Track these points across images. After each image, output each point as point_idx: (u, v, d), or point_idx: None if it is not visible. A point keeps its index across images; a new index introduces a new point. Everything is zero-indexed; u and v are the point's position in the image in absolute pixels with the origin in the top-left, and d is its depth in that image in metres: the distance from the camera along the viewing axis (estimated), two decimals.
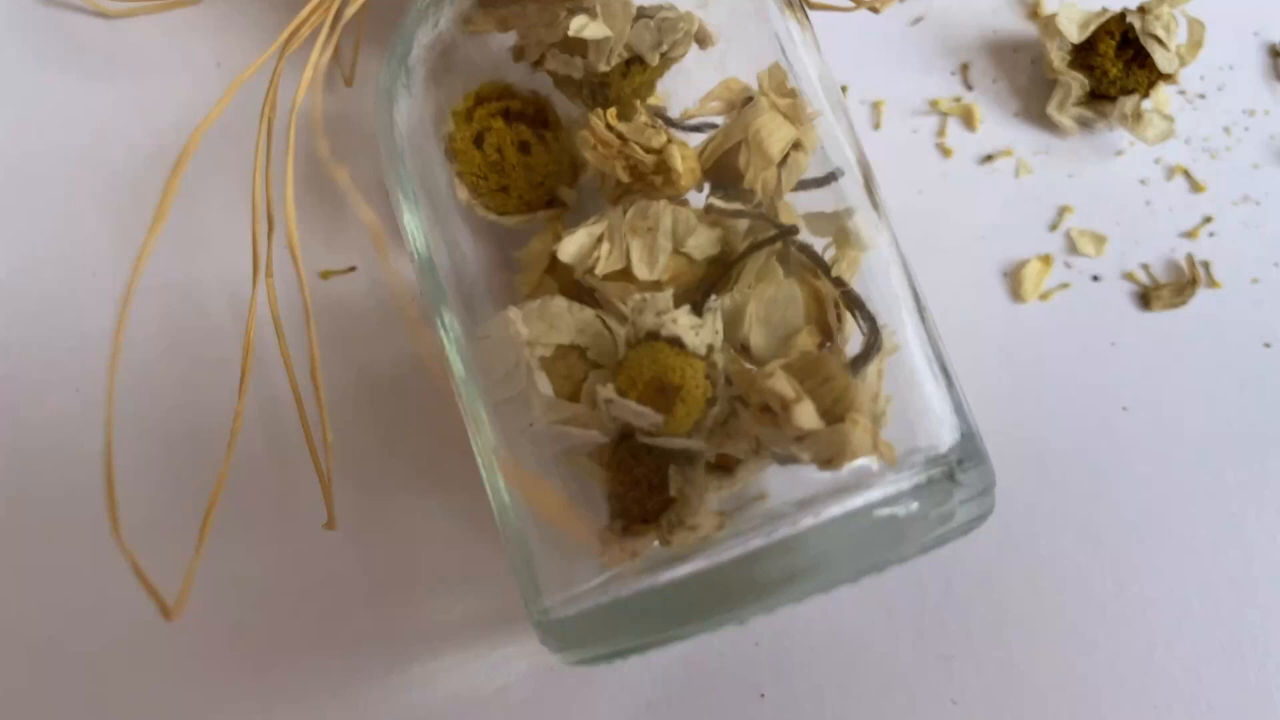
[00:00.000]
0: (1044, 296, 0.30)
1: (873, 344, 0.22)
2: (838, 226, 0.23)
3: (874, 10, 0.24)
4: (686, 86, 0.25)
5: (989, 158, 0.31)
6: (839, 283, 0.23)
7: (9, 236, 0.29)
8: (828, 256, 0.23)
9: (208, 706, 0.27)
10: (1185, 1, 0.30)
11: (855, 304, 0.23)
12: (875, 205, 0.24)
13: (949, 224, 0.31)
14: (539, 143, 0.26)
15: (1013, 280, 0.30)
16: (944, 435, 0.22)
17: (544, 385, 0.22)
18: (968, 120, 0.31)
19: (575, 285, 0.24)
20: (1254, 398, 0.30)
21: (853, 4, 0.26)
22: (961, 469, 0.22)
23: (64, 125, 0.30)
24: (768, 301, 0.23)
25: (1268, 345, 0.30)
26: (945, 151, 0.31)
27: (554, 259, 0.24)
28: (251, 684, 0.27)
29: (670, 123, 0.25)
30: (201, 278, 0.29)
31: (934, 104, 0.31)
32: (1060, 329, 0.30)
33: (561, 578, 0.22)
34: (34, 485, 0.27)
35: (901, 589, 0.28)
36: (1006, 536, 0.28)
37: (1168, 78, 0.30)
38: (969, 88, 0.31)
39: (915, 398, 0.23)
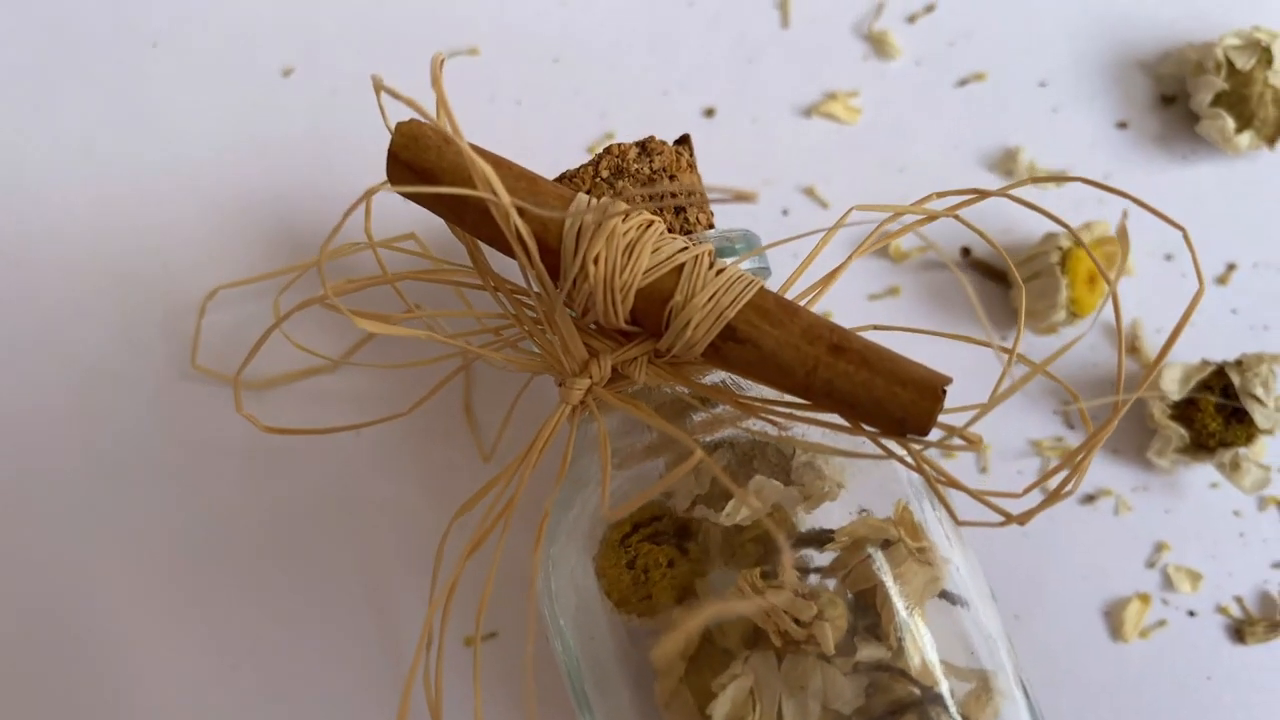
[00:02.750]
0: (1143, 634, 0.32)
1: None
2: (982, 683, 0.25)
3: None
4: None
5: (1091, 498, 0.32)
6: None
7: None
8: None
9: None
10: None
11: None
12: (1002, 645, 0.26)
13: (1054, 564, 0.32)
14: (681, 557, 0.27)
15: (1113, 620, 0.32)
16: None
17: None
18: None
19: (708, 690, 0.26)
20: None
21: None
22: None
23: None
24: None
25: None
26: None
27: (687, 664, 0.26)
28: None
29: (811, 540, 0.26)
30: None
31: (1037, 446, 0.32)
32: (1159, 667, 0.32)
33: None
34: None
35: None
36: None
37: (1267, 432, 0.31)
38: (1070, 427, 0.33)
39: None
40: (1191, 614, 0.32)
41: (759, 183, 0.33)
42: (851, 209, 0.24)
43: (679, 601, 0.27)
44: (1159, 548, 0.32)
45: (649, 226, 0.23)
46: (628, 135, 0.31)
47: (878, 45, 0.34)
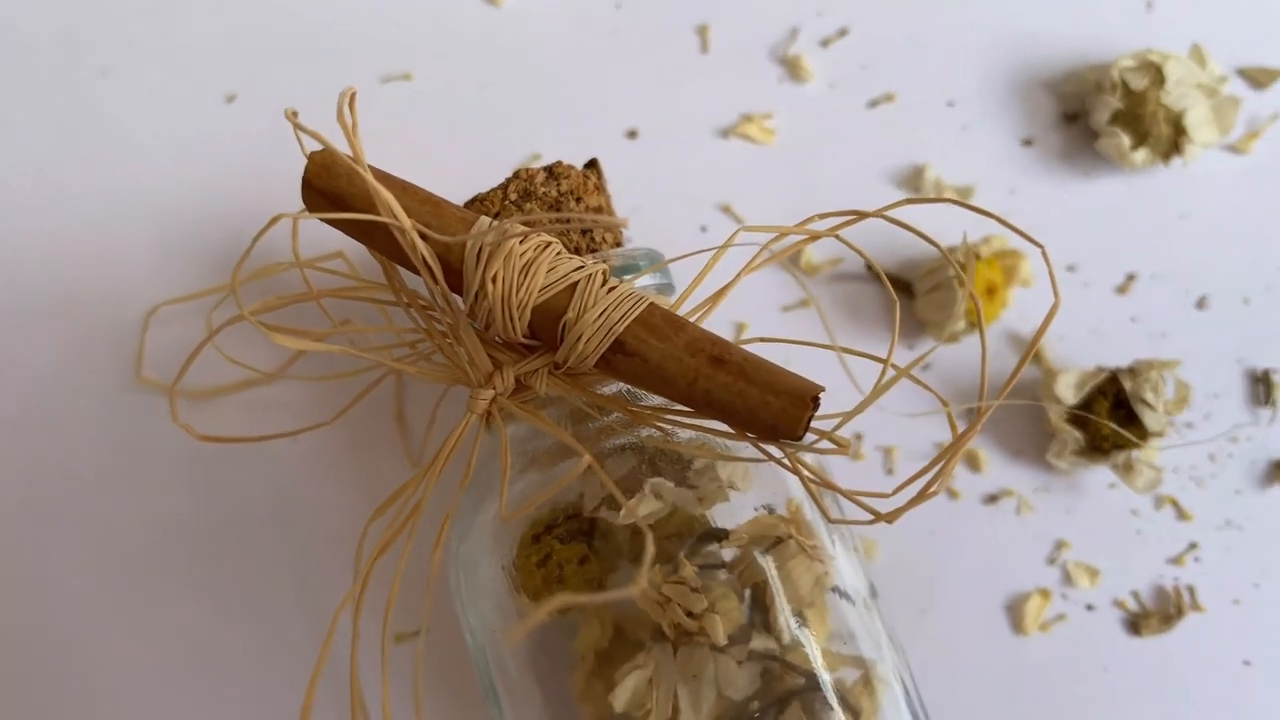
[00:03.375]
0: (1044, 628, 0.34)
1: None
2: (863, 670, 0.27)
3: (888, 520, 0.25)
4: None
5: (993, 498, 0.34)
6: None
7: None
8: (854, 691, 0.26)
9: None
10: (1172, 366, 0.33)
11: None
12: (883, 634, 0.27)
13: (959, 561, 0.34)
14: (593, 554, 0.29)
15: (1015, 614, 0.34)
16: None
17: None
18: (973, 463, 0.34)
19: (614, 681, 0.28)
20: (1236, 714, 0.33)
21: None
22: None
23: None
24: None
25: (1248, 663, 0.34)
26: (954, 494, 0.34)
27: (598, 655, 0.28)
28: None
29: (709, 537, 0.28)
30: None
31: (941, 448, 0.34)
32: (1058, 659, 0.33)
33: None
34: None
35: None
36: None
37: (1157, 435, 0.33)
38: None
39: None
40: (1090, 608, 0.34)
41: (681, 200, 0.35)
42: (738, 230, 0.26)
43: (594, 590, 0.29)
44: (1059, 545, 0.34)
45: (546, 247, 0.25)
46: (554, 157, 0.32)
47: (792, 69, 0.36)
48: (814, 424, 0.24)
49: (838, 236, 0.26)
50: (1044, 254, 0.25)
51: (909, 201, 0.26)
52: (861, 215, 0.26)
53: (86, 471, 0.33)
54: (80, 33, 0.35)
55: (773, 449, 0.25)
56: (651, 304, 0.25)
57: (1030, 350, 0.24)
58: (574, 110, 0.35)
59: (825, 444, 0.24)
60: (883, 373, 0.25)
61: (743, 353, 0.25)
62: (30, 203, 0.34)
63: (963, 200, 0.26)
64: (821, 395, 0.24)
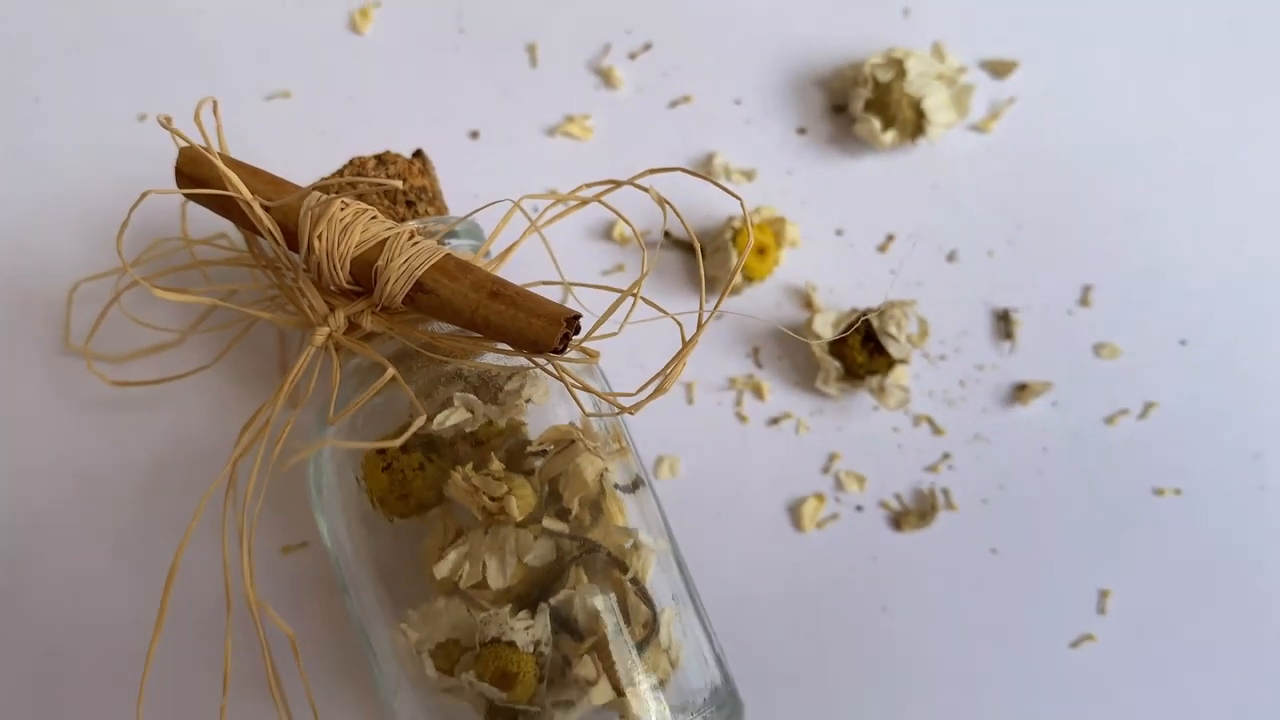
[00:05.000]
0: (820, 525, 0.41)
1: (653, 627, 0.33)
2: (632, 539, 0.34)
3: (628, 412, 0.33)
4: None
5: (775, 420, 0.42)
6: (634, 583, 0.33)
7: None
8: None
9: None
10: (911, 305, 0.40)
11: (644, 597, 0.33)
12: (655, 519, 0.35)
13: (748, 473, 0.41)
14: (429, 463, 0.36)
15: (795, 515, 0.41)
16: (700, 683, 0.33)
17: (430, 668, 0.33)
18: (758, 392, 0.42)
19: (448, 585, 0.35)
20: (986, 600, 0.41)
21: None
22: (710, 713, 0.32)
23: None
24: (580, 599, 0.33)
25: (994, 551, 0.41)
26: (742, 418, 0.41)
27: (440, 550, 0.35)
28: None
29: (520, 451, 0.35)
30: None
31: (732, 381, 0.42)
32: (832, 550, 0.41)
33: None
34: None
35: None
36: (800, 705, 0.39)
37: (902, 362, 0.40)
38: (759, 366, 0.42)
39: (688, 656, 0.34)
40: (859, 508, 0.41)
41: (515, 188, 0.42)
42: (522, 198, 0.33)
43: (437, 498, 0.36)
44: (832, 457, 0.41)
45: (363, 213, 0.32)
46: (407, 153, 0.40)
47: (606, 78, 0.43)
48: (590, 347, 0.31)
49: (602, 202, 0.34)
50: (741, 204, 0.32)
51: (650, 172, 0.33)
52: (617, 184, 0.33)
53: (29, 420, 0.40)
54: (19, 65, 0.42)
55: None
56: (447, 254, 0.32)
57: (738, 266, 0.31)
58: (425, 115, 0.43)
59: (577, 354, 0.31)
60: (633, 305, 0.32)
61: (517, 288, 0.32)
62: None
63: (668, 167, 0.33)
64: (580, 319, 0.31)
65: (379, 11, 0.43)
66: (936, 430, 0.41)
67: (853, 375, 0.40)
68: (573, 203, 0.34)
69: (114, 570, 0.40)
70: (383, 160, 0.35)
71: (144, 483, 0.40)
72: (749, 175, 0.42)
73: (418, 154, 0.37)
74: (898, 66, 0.42)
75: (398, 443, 0.30)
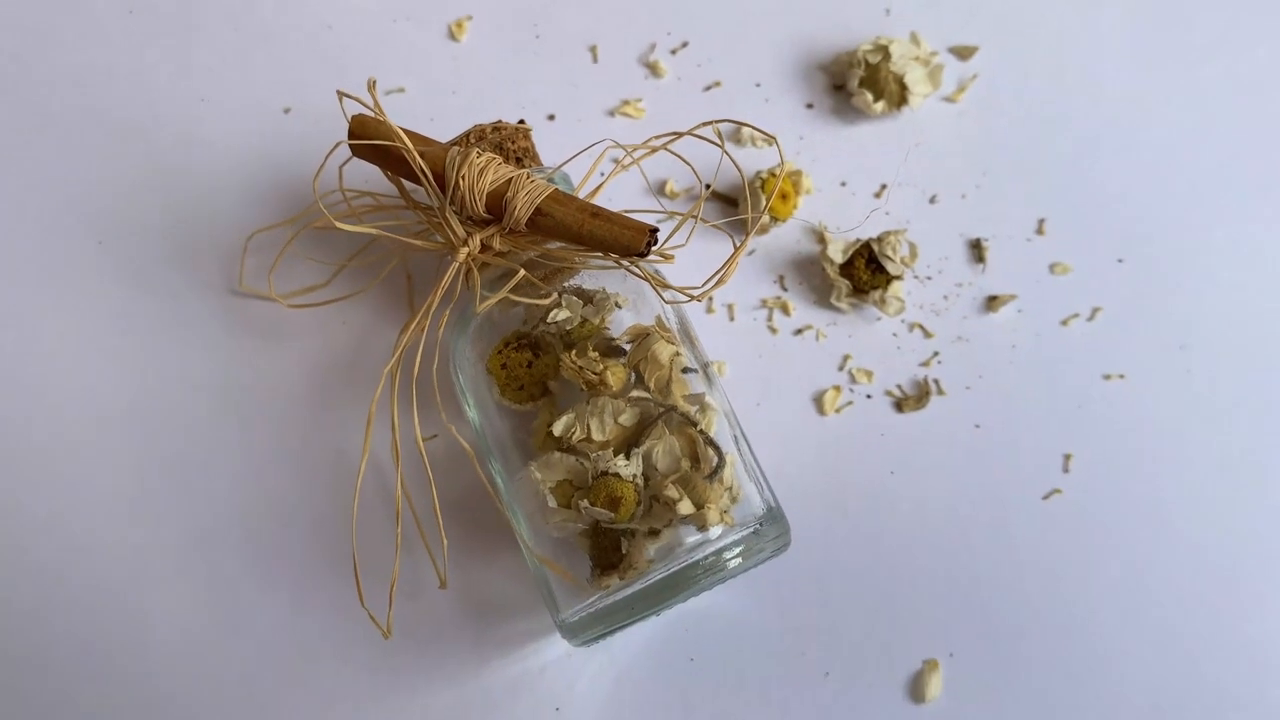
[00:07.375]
0: (838, 411, 0.52)
1: (719, 463, 0.44)
2: (699, 403, 0.45)
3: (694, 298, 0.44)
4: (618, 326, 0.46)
5: (799, 331, 0.53)
6: (702, 433, 0.44)
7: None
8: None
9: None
10: (902, 233, 0.51)
11: (710, 443, 0.44)
12: (717, 391, 0.45)
13: (781, 372, 0.52)
14: (537, 360, 0.47)
15: (818, 403, 0.52)
16: (756, 507, 0.44)
17: (552, 501, 0.43)
18: (785, 310, 0.53)
19: (562, 443, 0.45)
20: (972, 464, 0.51)
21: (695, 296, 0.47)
22: (764, 528, 0.43)
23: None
24: (663, 446, 0.44)
25: (978, 426, 0.52)
26: (773, 330, 0.52)
27: (548, 430, 0.46)
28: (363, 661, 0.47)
29: (610, 345, 0.46)
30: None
31: (764, 301, 0.53)
32: (849, 429, 0.51)
33: (569, 602, 0.44)
34: None
35: (764, 587, 0.49)
36: (824, 554, 0.50)
37: (898, 278, 0.51)
38: (785, 289, 0.53)
39: (746, 488, 0.44)
40: (869, 397, 0.52)
41: (586, 158, 0.54)
42: (606, 141, 0.45)
43: (543, 390, 0.47)
44: (845, 358, 0.52)
45: (492, 160, 0.44)
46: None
47: (653, 69, 0.55)
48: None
49: (670, 150, 0.45)
50: (776, 144, 0.43)
51: (706, 124, 0.45)
52: (679, 135, 0.45)
53: (203, 348, 0.51)
54: (184, 72, 0.54)
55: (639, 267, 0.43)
56: (555, 189, 0.44)
57: (774, 192, 0.42)
58: (511, 103, 0.54)
59: (655, 258, 0.42)
60: (694, 227, 0.43)
61: (608, 211, 0.43)
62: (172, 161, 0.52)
63: (727, 119, 0.45)
64: (658, 231, 0.42)
65: (471, 23, 0.55)
66: (927, 334, 0.52)
67: (859, 291, 0.51)
68: (644, 151, 0.45)
69: (275, 459, 0.50)
70: (496, 127, 0.47)
71: (300, 393, 0.51)
72: (770, 141, 0.54)
73: (521, 122, 0.48)
74: (884, 51, 0.53)
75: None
